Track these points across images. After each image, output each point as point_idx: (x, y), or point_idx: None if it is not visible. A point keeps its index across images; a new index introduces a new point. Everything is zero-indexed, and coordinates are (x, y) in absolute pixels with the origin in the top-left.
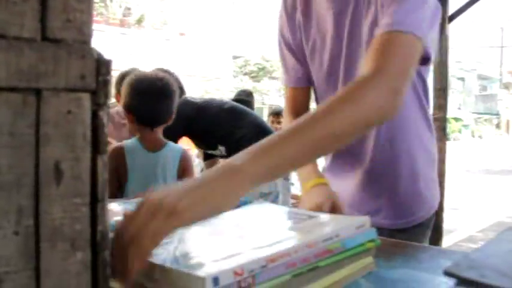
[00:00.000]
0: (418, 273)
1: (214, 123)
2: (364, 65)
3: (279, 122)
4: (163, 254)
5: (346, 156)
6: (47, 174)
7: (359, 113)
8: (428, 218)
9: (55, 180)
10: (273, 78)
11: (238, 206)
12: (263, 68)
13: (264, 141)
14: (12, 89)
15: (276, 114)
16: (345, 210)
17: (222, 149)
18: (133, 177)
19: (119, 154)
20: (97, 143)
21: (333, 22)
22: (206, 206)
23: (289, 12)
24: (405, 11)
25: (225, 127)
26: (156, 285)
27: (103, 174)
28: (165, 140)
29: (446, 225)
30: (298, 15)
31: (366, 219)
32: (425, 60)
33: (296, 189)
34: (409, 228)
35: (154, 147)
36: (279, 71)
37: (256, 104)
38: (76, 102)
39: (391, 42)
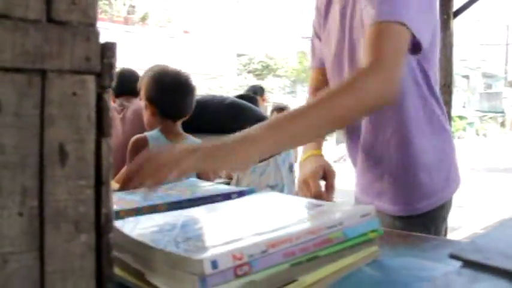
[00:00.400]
0: (422, 261)
1: (216, 118)
2: (363, 58)
3: None
4: (164, 239)
5: (352, 137)
6: (52, 156)
7: (359, 100)
8: (431, 209)
9: (60, 162)
10: (277, 76)
11: (243, 195)
12: (267, 66)
13: (275, 118)
14: (18, 70)
15: (280, 109)
16: (335, 177)
17: None
18: None
19: (144, 145)
20: (102, 125)
21: (338, 14)
22: (225, 160)
23: (318, 4)
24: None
25: (227, 121)
26: (156, 274)
27: (108, 157)
28: (185, 133)
29: (450, 222)
30: (321, 7)
31: (370, 208)
32: (416, 48)
33: None
34: (409, 217)
35: (176, 139)
36: (282, 69)
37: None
38: (81, 84)
39: (379, 34)
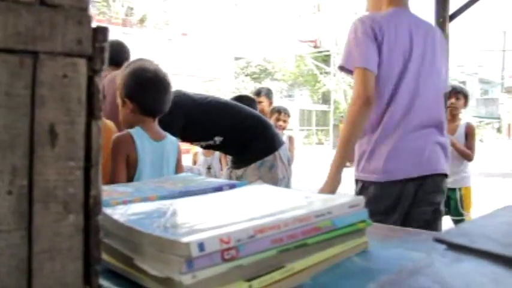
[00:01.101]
0: (412, 252)
1: (213, 115)
2: None
3: (284, 120)
4: (153, 225)
5: None
6: (42, 136)
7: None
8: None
9: (50, 142)
10: (275, 79)
11: (234, 187)
12: (264, 70)
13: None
14: (9, 51)
15: (279, 111)
16: None
17: (218, 139)
18: (143, 165)
19: (129, 141)
20: (92, 108)
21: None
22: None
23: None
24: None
25: (226, 119)
26: (144, 258)
27: (97, 140)
28: (162, 130)
29: (445, 227)
30: None
31: (360, 199)
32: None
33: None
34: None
35: (157, 136)
36: (280, 73)
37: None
38: (72, 67)
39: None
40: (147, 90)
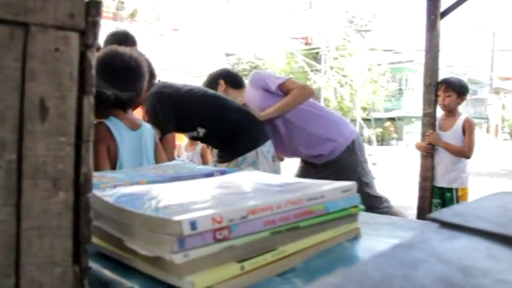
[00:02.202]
0: (404, 239)
1: (199, 106)
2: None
3: None
4: (144, 206)
5: None
6: (32, 110)
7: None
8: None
9: (40, 117)
10: None
11: (224, 173)
12: (255, 67)
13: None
14: (0, 21)
15: None
16: None
17: (201, 131)
18: (124, 155)
19: (106, 132)
20: (84, 83)
21: None
22: None
23: None
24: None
25: (208, 110)
26: (135, 239)
27: (89, 116)
28: (139, 118)
29: None
30: None
31: (352, 185)
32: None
33: None
34: None
35: (134, 125)
36: (271, 70)
37: None
38: (64, 41)
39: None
40: (114, 79)
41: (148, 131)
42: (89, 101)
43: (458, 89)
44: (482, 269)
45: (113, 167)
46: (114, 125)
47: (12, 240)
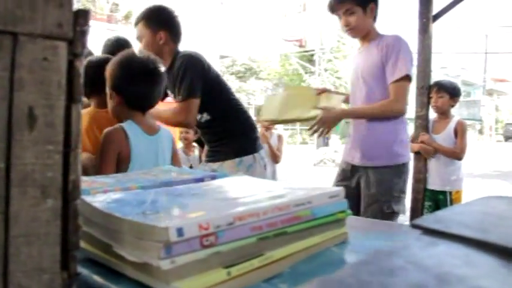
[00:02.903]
0: (392, 243)
1: (220, 91)
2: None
3: None
4: (133, 212)
5: None
6: (20, 119)
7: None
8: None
9: (28, 126)
10: (260, 78)
11: (215, 178)
12: (250, 69)
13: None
14: None
15: None
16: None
17: (205, 117)
18: (136, 159)
19: (122, 137)
20: (72, 92)
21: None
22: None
23: None
24: (403, 62)
25: (225, 100)
26: (123, 245)
27: (77, 124)
28: (156, 123)
29: None
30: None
31: (339, 190)
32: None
33: None
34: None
35: (151, 130)
36: (265, 72)
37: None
38: (52, 50)
39: (398, 88)
40: (134, 82)
41: (166, 136)
42: (77, 110)
43: (450, 91)
44: (459, 276)
45: (125, 171)
46: (131, 128)
47: (0, 248)
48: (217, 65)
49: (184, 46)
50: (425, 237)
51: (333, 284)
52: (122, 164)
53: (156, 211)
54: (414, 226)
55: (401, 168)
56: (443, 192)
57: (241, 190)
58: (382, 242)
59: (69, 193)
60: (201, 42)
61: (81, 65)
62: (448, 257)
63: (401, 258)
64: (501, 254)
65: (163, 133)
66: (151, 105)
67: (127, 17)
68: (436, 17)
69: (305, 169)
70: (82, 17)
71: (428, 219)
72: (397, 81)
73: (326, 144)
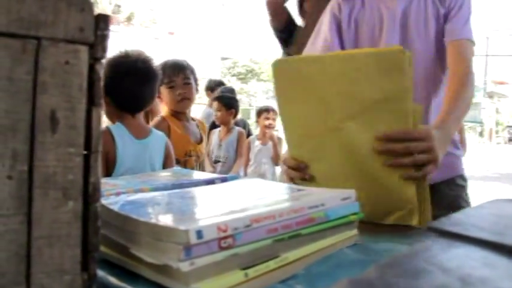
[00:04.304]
0: (402, 246)
1: None
2: (452, 65)
3: (273, 119)
4: (149, 213)
5: None
6: (43, 122)
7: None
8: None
9: (50, 128)
10: (261, 80)
11: (225, 181)
12: (251, 70)
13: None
14: (12, 35)
15: (267, 111)
16: None
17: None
18: (122, 165)
19: (108, 138)
20: (93, 95)
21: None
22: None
23: None
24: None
25: None
26: (141, 247)
27: (97, 127)
28: (149, 126)
29: None
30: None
31: (351, 192)
32: None
33: None
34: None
35: (140, 134)
36: (266, 74)
37: (244, 106)
38: (74, 54)
39: (463, 49)
40: (121, 82)
41: (158, 141)
42: (98, 113)
43: None
44: (480, 278)
45: (109, 175)
46: (119, 131)
47: (23, 249)
48: (218, 67)
49: (185, 49)
50: (443, 240)
51: (362, 285)
52: (108, 168)
53: (172, 213)
54: (430, 229)
55: None
56: None
57: (254, 192)
58: (393, 244)
59: (89, 195)
60: (203, 43)
61: (101, 68)
62: (468, 259)
63: (423, 261)
64: None
65: (155, 137)
66: (142, 107)
67: (129, 19)
68: None
69: None
70: (103, 21)
71: (444, 222)
72: None
73: None
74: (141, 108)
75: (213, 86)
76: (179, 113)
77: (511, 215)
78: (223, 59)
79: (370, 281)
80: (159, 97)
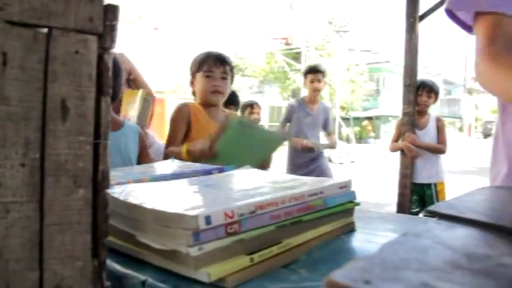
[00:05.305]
0: (398, 232)
1: None
2: None
3: (257, 113)
4: (154, 201)
5: None
6: (54, 110)
7: None
8: None
9: (61, 117)
10: (245, 75)
11: (223, 171)
12: (235, 66)
13: None
14: (24, 24)
15: (251, 105)
16: None
17: None
18: None
19: None
20: (101, 84)
21: None
22: None
23: None
24: None
25: None
26: (147, 233)
27: (106, 116)
28: (121, 119)
29: None
30: None
31: (348, 181)
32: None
33: None
34: None
35: (113, 126)
36: (251, 69)
37: None
38: (83, 44)
39: None
40: None
41: (131, 132)
42: (106, 102)
43: (436, 91)
44: (483, 255)
45: None
46: None
47: (36, 236)
48: None
49: (169, 44)
50: (444, 222)
51: (377, 260)
52: None
53: (177, 201)
54: (429, 212)
55: None
56: (429, 185)
57: (252, 181)
58: (390, 233)
59: (98, 183)
60: (187, 39)
61: (110, 58)
62: (469, 239)
63: (429, 239)
64: None
65: (128, 129)
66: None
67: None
68: (423, 17)
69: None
70: (111, 11)
71: (441, 206)
72: None
73: None
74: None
75: None
76: (209, 105)
77: (501, 200)
78: None
79: (384, 257)
80: (192, 83)
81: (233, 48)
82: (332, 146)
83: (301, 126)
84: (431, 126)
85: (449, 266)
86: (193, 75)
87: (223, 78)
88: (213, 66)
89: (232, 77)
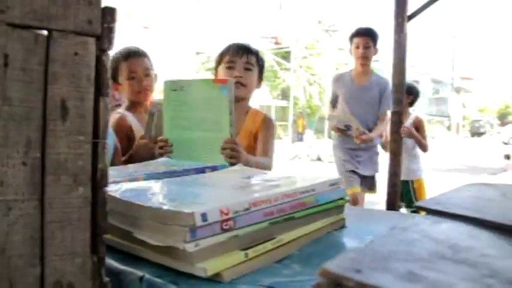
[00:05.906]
0: (387, 227)
1: None
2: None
3: None
4: (150, 199)
5: None
6: (54, 110)
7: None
8: None
9: (61, 117)
10: None
11: (215, 169)
12: None
13: None
14: (25, 27)
15: None
16: None
17: None
18: None
19: None
20: (100, 85)
21: None
22: None
23: None
24: None
25: None
26: (144, 231)
27: (104, 116)
28: None
29: None
30: None
31: (339, 179)
32: None
33: None
34: None
35: None
36: None
37: None
38: (82, 45)
39: None
40: None
41: (109, 137)
42: (105, 102)
43: (413, 92)
44: (467, 247)
45: None
46: None
47: (37, 233)
48: (193, 61)
49: (160, 42)
50: (431, 217)
51: (367, 252)
52: None
53: (172, 198)
54: (418, 207)
55: None
56: (407, 182)
57: (245, 179)
58: (378, 228)
59: (98, 181)
60: (177, 38)
61: (108, 60)
62: (454, 232)
63: (415, 233)
64: (497, 230)
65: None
66: None
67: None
68: (411, 16)
69: (281, 163)
70: (109, 14)
71: (429, 202)
72: None
73: (301, 140)
74: None
75: None
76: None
77: (486, 196)
78: (198, 53)
79: (374, 248)
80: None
81: (223, 47)
82: (373, 136)
83: (349, 105)
84: (409, 125)
85: (435, 257)
86: (215, 70)
87: (247, 69)
88: (235, 56)
89: (260, 70)
